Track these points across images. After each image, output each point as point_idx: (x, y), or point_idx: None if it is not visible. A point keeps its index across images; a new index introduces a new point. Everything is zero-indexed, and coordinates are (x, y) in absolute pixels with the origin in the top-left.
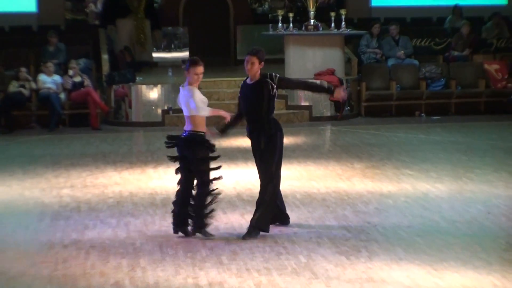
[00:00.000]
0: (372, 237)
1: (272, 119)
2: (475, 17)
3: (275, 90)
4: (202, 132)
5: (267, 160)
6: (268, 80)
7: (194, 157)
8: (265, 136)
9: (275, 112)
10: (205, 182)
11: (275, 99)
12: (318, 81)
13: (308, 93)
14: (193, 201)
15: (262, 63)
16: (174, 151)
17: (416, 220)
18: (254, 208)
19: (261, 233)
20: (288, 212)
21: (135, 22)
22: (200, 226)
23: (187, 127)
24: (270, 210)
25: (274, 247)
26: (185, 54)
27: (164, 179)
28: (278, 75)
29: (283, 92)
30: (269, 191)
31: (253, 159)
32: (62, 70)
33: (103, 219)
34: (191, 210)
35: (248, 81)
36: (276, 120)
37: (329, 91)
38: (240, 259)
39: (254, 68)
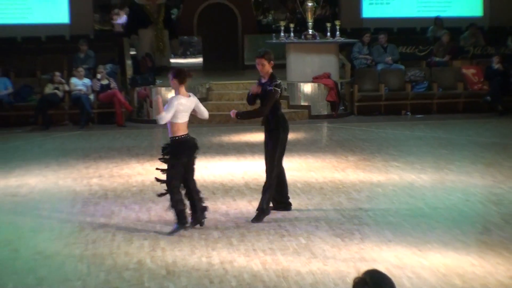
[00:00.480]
0: (364, 221)
1: (278, 116)
2: (454, 27)
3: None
4: None
5: (270, 152)
6: (273, 87)
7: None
8: (269, 131)
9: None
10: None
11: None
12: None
13: (307, 94)
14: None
15: (272, 62)
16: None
17: (402, 206)
18: (258, 196)
19: (265, 219)
20: (290, 199)
21: (155, 32)
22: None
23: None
24: (272, 193)
25: (278, 230)
26: (199, 60)
27: None
28: (278, 90)
29: (285, 93)
30: (272, 178)
31: (260, 153)
32: (91, 74)
33: (128, 205)
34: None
35: (262, 80)
36: (282, 117)
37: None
38: (248, 241)
39: (265, 68)
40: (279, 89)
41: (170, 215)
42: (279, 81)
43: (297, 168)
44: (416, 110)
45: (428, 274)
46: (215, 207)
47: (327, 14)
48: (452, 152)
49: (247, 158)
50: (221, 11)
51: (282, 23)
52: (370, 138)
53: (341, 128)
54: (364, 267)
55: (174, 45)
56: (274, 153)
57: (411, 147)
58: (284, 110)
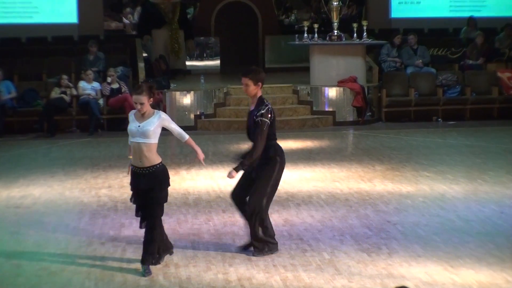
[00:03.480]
0: (392, 235)
1: (273, 145)
2: (489, 28)
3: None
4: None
5: (261, 183)
6: (260, 119)
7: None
8: (264, 158)
9: (301, 117)
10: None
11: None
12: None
13: (332, 99)
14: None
15: (260, 83)
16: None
17: (433, 219)
18: (278, 208)
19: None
20: (313, 211)
21: (170, 33)
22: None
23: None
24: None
25: (300, 244)
26: (216, 62)
27: (196, 180)
28: (266, 120)
29: (308, 98)
30: (253, 217)
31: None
32: (101, 77)
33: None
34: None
35: (251, 107)
36: (279, 146)
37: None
38: (267, 256)
39: (249, 89)
40: (266, 119)
41: (185, 228)
42: (266, 108)
43: (321, 178)
44: (448, 116)
45: None
46: (233, 220)
47: (354, 14)
48: (486, 161)
49: None
50: (240, 10)
51: (306, 23)
52: (398, 146)
53: (368, 136)
54: (392, 284)
55: (190, 47)
56: (265, 186)
57: (442, 155)
58: (308, 116)
